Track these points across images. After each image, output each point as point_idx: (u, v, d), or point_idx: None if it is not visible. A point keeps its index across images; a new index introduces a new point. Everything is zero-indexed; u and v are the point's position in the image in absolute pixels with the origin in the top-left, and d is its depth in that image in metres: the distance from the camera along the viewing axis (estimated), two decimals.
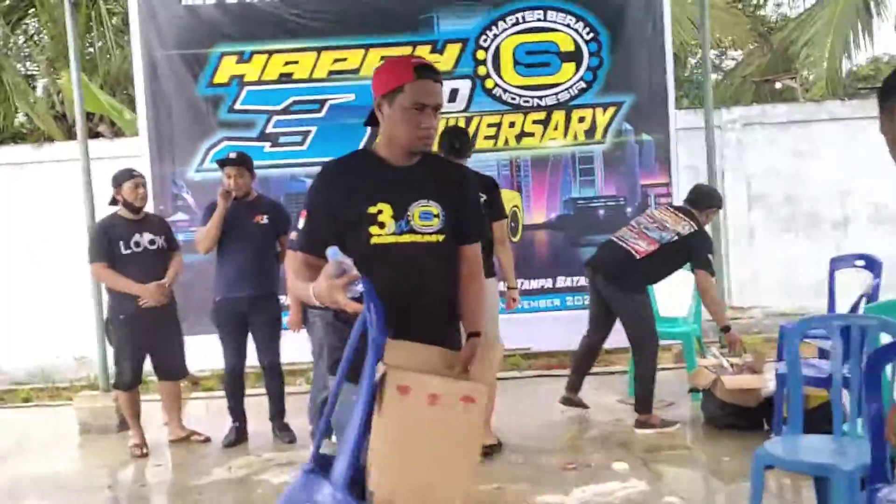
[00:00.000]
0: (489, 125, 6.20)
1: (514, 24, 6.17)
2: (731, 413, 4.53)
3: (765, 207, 7.65)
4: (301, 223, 2.27)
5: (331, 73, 6.15)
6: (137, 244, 4.80)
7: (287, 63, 6.14)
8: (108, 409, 5.37)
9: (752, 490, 2.79)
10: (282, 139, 6.18)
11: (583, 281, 6.18)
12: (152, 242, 4.87)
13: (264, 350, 4.92)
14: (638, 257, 4.78)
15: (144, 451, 4.86)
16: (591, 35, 6.19)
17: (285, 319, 4.99)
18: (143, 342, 4.82)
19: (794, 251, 7.53)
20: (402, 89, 2.13)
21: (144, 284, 4.72)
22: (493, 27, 6.16)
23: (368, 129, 6.00)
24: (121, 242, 4.77)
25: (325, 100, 6.16)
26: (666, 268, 4.89)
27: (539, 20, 6.18)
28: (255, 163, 6.08)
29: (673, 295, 5.74)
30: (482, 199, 4.65)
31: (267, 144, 6.16)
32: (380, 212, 2.15)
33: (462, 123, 6.15)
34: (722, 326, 4.90)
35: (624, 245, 4.87)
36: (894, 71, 2.76)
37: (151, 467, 4.75)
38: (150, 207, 6.15)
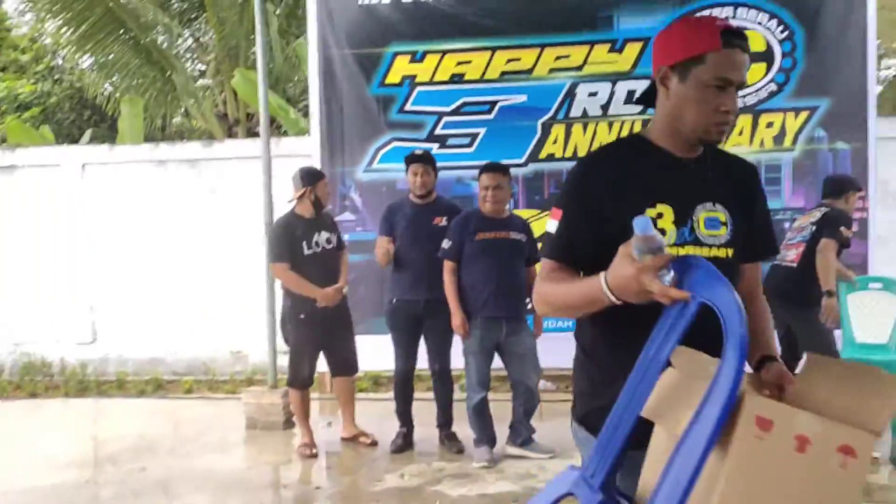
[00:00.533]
0: None
1: None
2: None
3: None
4: (553, 225, 1.80)
5: (503, 73, 5.99)
6: (317, 244, 4.82)
7: (459, 63, 6.03)
8: (274, 406, 5.39)
9: None
10: (450, 141, 6.07)
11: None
12: (328, 242, 4.89)
13: (436, 355, 4.79)
14: (795, 266, 4.86)
15: (314, 451, 4.82)
16: (785, 34, 5.74)
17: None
18: (321, 341, 4.83)
19: None
20: (702, 59, 1.70)
21: (323, 288, 4.72)
22: None
23: (539, 131, 5.99)
24: (304, 243, 4.77)
25: (496, 101, 6.01)
26: None
27: (728, 18, 5.77)
28: None
29: (873, 319, 5.27)
30: None
31: (435, 146, 6.05)
32: (660, 215, 1.72)
33: (638, 126, 5.86)
34: (825, 289, 4.66)
35: (783, 263, 4.95)
36: None
37: (320, 469, 4.71)
38: None
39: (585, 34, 5.90)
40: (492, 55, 5.98)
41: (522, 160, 5.98)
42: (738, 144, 5.80)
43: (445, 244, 4.53)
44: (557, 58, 5.92)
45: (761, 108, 5.78)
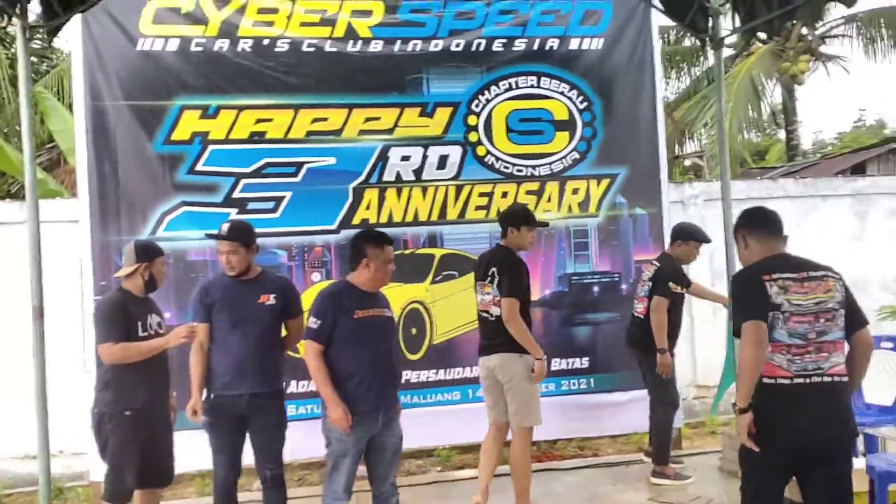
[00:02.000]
0: (481, 195, 5.73)
1: (507, 90, 5.80)
2: None
3: (727, 283, 7.55)
4: None
5: (309, 133, 5.51)
6: (150, 326, 4.00)
7: (259, 121, 5.45)
8: None
9: None
10: (251, 205, 5.42)
11: (578, 363, 5.84)
12: (160, 326, 4.08)
13: (265, 457, 4.05)
14: (643, 318, 5.26)
15: None
16: (585, 104, 5.91)
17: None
18: (146, 440, 3.92)
19: None
20: None
21: (152, 384, 3.97)
22: (486, 91, 5.76)
23: (350, 196, 5.55)
24: (139, 323, 3.93)
25: (302, 163, 5.50)
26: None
27: (532, 86, 5.84)
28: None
29: None
30: (497, 279, 4.50)
31: (233, 211, 5.37)
32: None
33: (452, 192, 5.69)
34: (658, 347, 5.12)
35: (635, 314, 5.42)
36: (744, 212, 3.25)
37: None
38: (88, 283, 5.29)
39: (395, 96, 5.62)
40: (296, 114, 5.48)
41: (334, 226, 5.50)
42: (546, 210, 5.83)
43: (313, 323, 3.77)
44: (367, 119, 5.57)
45: (567, 175, 5.87)
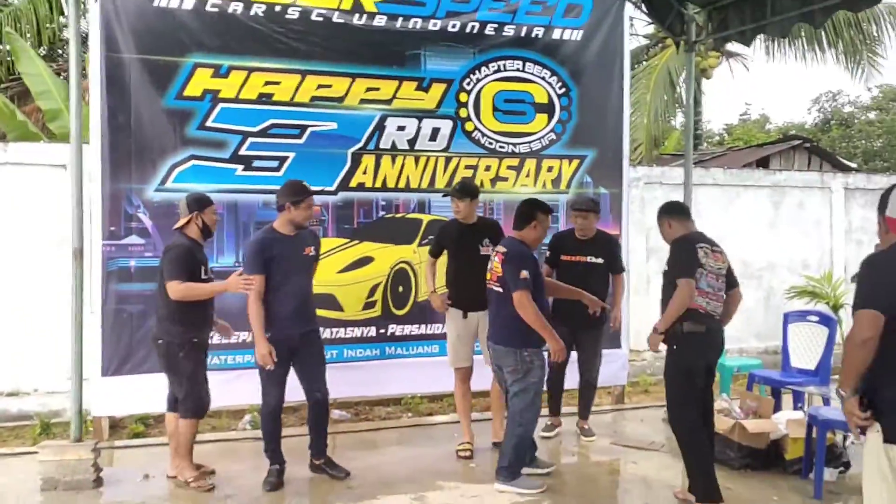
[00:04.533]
0: (467, 167, 6.24)
1: (495, 71, 6.30)
2: (746, 455, 4.94)
3: (659, 259, 8.32)
4: None
5: (314, 98, 5.85)
6: (208, 271, 4.60)
7: (268, 83, 5.75)
8: (82, 462, 4.55)
9: None
10: (256, 163, 5.75)
11: None
12: (211, 270, 4.69)
13: (314, 382, 4.65)
14: None
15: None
16: (563, 90, 6.49)
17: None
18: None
19: None
20: None
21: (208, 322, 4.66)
22: (477, 71, 6.25)
23: (349, 160, 5.95)
24: (202, 267, 4.53)
25: (306, 126, 5.85)
26: None
27: (518, 70, 6.37)
28: (224, 186, 5.70)
29: None
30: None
31: (239, 167, 5.70)
32: None
33: (442, 163, 6.17)
34: None
35: None
36: (665, 204, 4.63)
37: None
38: (97, 228, 5.47)
39: (395, 70, 6.02)
40: (302, 78, 5.80)
41: (333, 188, 5.90)
42: (524, 185, 6.42)
43: (526, 276, 4.41)
44: (368, 89, 5.95)
45: (544, 154, 6.45)
